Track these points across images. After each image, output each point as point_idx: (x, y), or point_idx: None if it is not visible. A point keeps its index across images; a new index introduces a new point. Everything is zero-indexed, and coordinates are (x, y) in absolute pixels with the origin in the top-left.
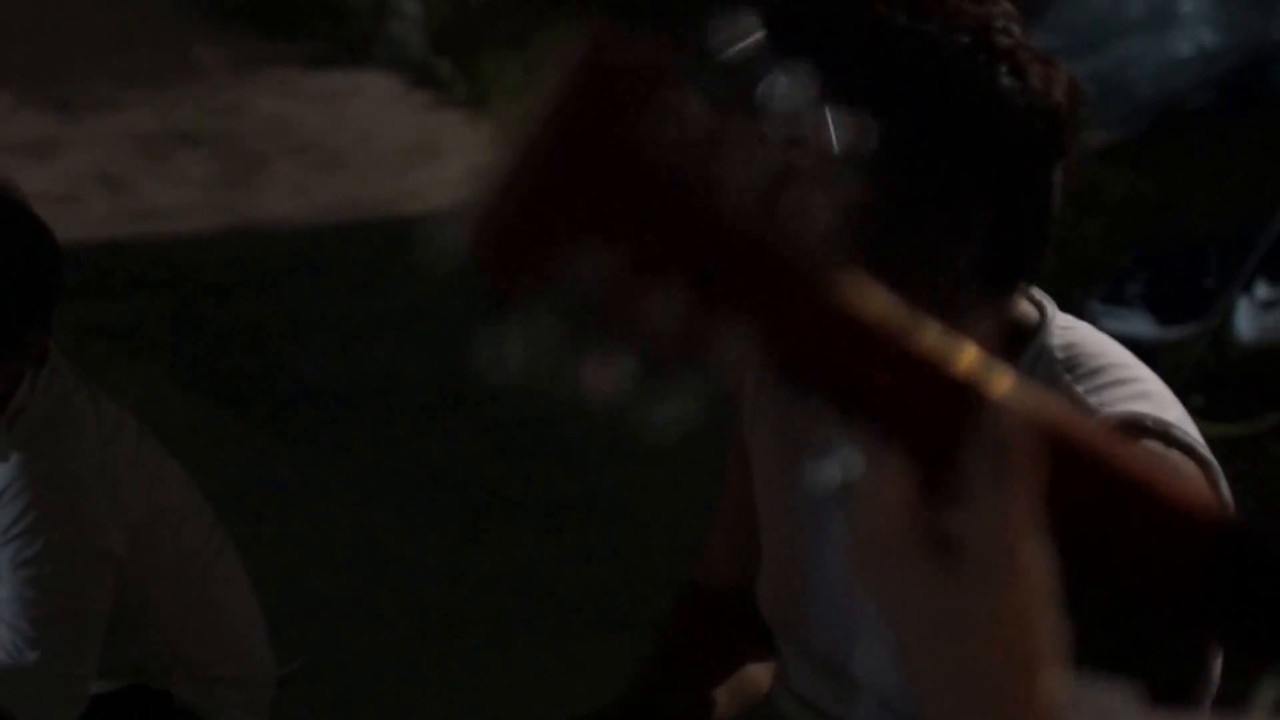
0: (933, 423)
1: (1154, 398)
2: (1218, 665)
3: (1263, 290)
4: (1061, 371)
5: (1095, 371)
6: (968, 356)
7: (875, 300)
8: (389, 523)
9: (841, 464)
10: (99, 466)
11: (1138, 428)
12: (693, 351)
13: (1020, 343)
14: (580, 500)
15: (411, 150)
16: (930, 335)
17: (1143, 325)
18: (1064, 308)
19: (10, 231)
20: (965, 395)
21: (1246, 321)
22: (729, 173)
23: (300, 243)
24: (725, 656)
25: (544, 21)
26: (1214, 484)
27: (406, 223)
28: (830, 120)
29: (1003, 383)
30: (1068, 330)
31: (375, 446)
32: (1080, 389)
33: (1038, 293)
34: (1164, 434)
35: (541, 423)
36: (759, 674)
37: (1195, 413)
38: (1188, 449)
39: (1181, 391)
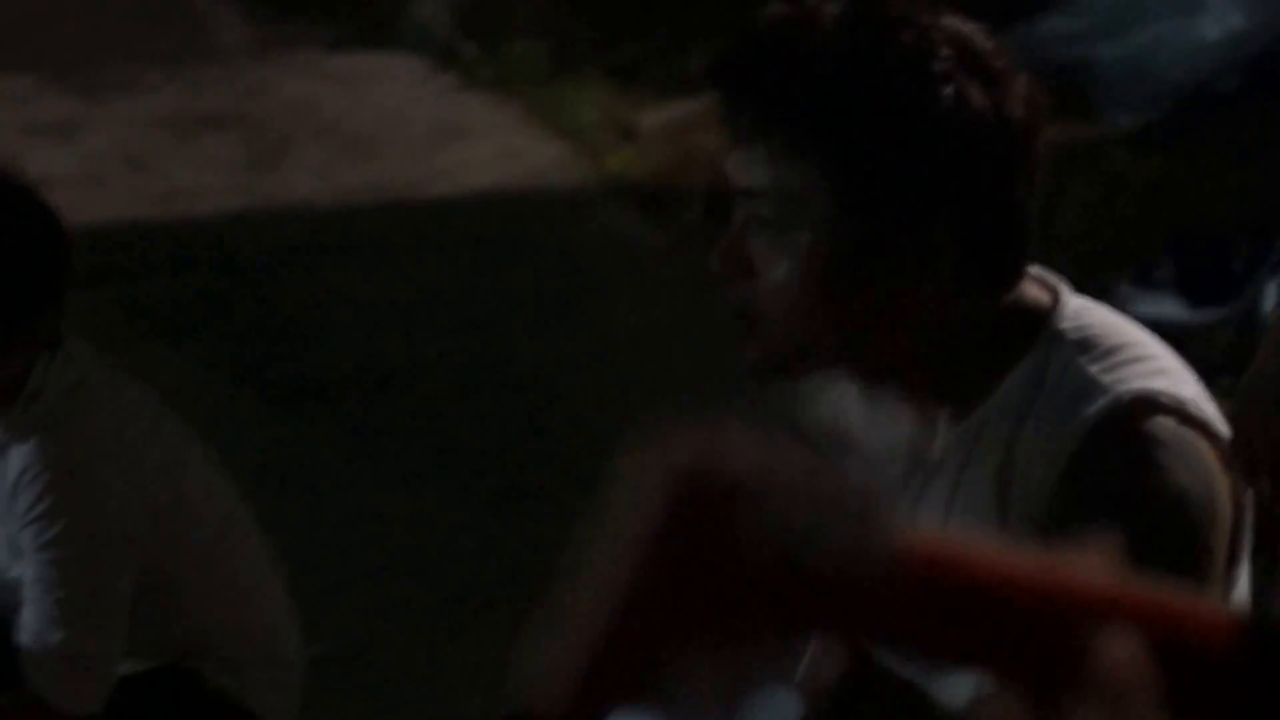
0: (1038, 650)
1: (1170, 374)
2: None
3: None
4: (1076, 353)
5: (1110, 351)
6: (1082, 581)
7: (948, 549)
8: (416, 505)
9: (968, 685)
10: (117, 447)
11: (1153, 404)
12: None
13: (1034, 327)
14: (602, 483)
15: (437, 132)
16: (1034, 567)
17: (1173, 309)
18: (1093, 293)
19: (18, 216)
20: (1074, 623)
21: (1276, 304)
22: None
23: (325, 225)
24: None
25: (568, 5)
26: (1227, 461)
27: (431, 205)
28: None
29: (1123, 600)
30: (1082, 312)
31: (402, 429)
32: (1094, 369)
33: (1050, 276)
34: (1179, 410)
35: (568, 405)
36: None
37: (1224, 394)
38: (1202, 426)
39: (1211, 374)
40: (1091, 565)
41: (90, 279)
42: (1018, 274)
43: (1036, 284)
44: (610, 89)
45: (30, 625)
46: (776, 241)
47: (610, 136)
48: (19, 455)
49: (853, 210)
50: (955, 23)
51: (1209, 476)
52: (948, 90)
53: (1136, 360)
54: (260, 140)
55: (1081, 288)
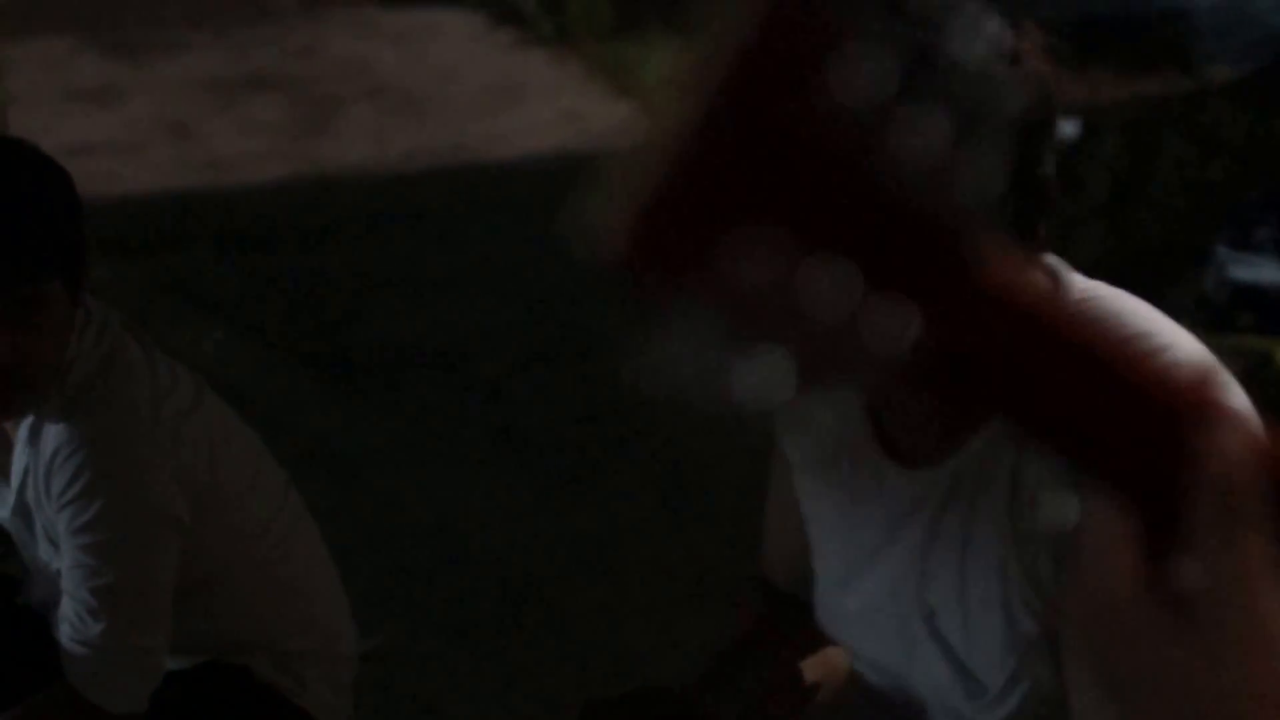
0: (1145, 452)
1: (1181, 353)
2: None
3: None
4: None
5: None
6: (1193, 370)
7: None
8: (472, 489)
9: (1057, 505)
10: (154, 424)
11: None
12: (853, 355)
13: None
14: (668, 465)
15: (495, 92)
16: (1137, 344)
17: (1272, 272)
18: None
19: (21, 172)
20: (1180, 420)
21: None
22: (905, 145)
23: (377, 192)
24: (799, 643)
25: None
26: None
27: (490, 169)
28: (1011, 82)
29: (1226, 399)
30: (1086, 293)
31: (458, 408)
32: None
33: (1052, 260)
34: None
35: (628, 386)
36: (839, 653)
37: None
38: None
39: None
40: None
41: (131, 250)
42: (1039, 252)
43: (1038, 267)
44: (677, 45)
45: (68, 617)
46: None
47: (677, 93)
48: (52, 434)
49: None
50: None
51: None
52: (998, 65)
53: (1144, 337)
54: (309, 103)
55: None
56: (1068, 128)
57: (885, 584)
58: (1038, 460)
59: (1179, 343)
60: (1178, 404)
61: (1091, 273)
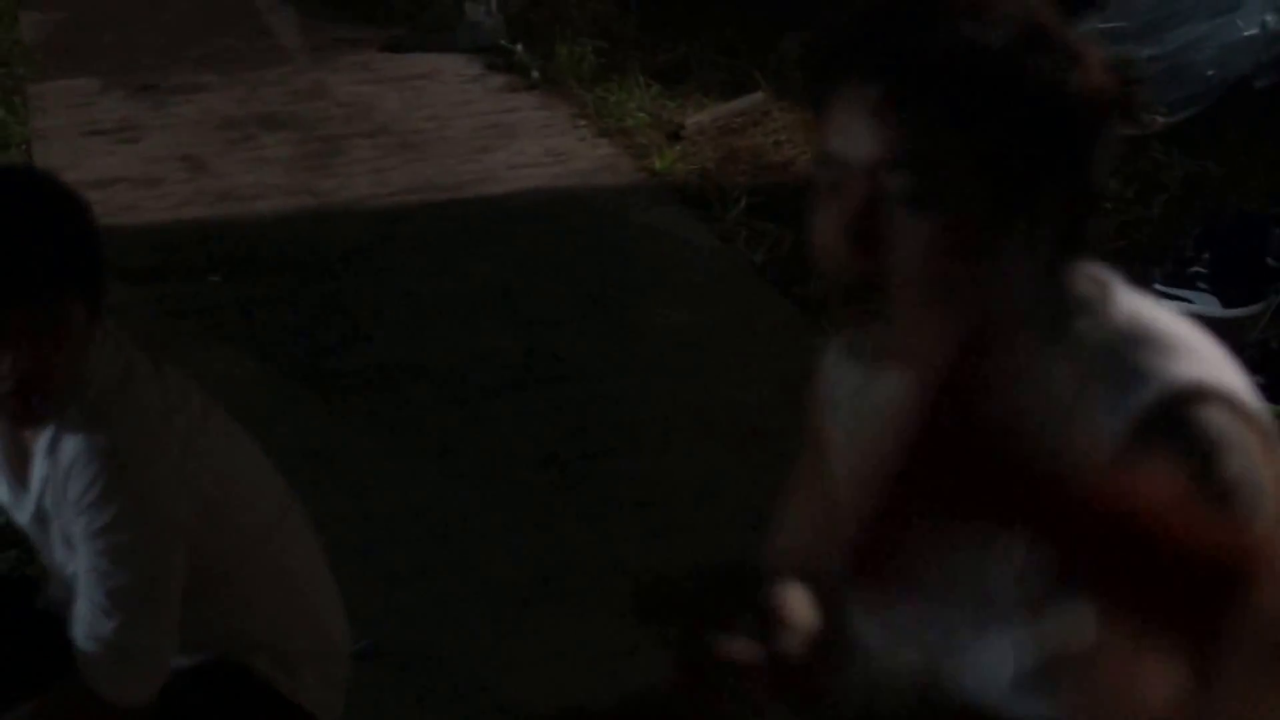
0: (1195, 600)
1: (1217, 365)
2: None
3: None
4: (1126, 342)
5: (1158, 342)
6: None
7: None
8: (464, 500)
9: (1071, 624)
10: (165, 436)
11: (1202, 394)
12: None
13: (1084, 316)
14: (657, 480)
15: (487, 132)
16: (1207, 518)
17: (1205, 305)
18: (1130, 287)
19: (44, 200)
20: (1231, 572)
21: None
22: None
23: (378, 223)
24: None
25: (617, 9)
26: (1271, 448)
27: (482, 203)
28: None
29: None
30: (1130, 303)
31: (448, 423)
32: (1144, 358)
33: (1102, 269)
34: (1229, 400)
35: (617, 402)
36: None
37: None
38: (1249, 416)
39: (1243, 370)
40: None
41: (148, 276)
42: (1087, 250)
43: (1089, 278)
44: (657, 90)
45: (82, 616)
46: (915, 216)
47: (657, 137)
48: (70, 444)
49: (990, 184)
50: (1044, 2)
51: (1259, 466)
52: (1072, 75)
53: (1185, 351)
54: (315, 141)
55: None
56: None
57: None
58: None
59: (1207, 351)
60: (1227, 550)
61: None
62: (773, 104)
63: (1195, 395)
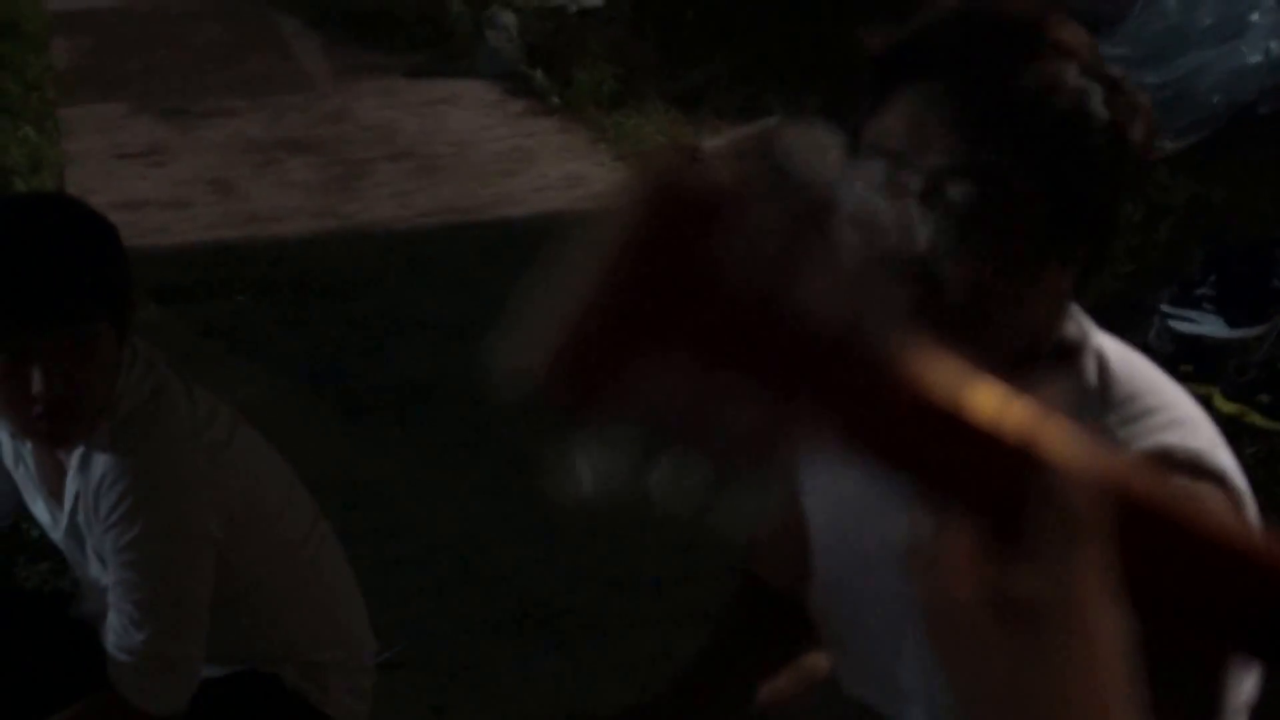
0: (997, 482)
1: (1184, 425)
2: (1238, 695)
3: None
4: (1095, 401)
5: (1126, 401)
6: (1021, 416)
7: (935, 370)
8: (482, 513)
9: (910, 525)
10: (194, 452)
11: (1167, 460)
12: (765, 449)
13: (1066, 358)
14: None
15: (506, 157)
16: (989, 397)
17: (1210, 326)
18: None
19: (73, 225)
20: (1027, 454)
21: None
22: (804, 277)
23: (401, 244)
24: (782, 644)
25: (635, 34)
26: (1239, 509)
27: (501, 226)
28: (912, 216)
29: (1062, 439)
30: (1103, 354)
31: (469, 442)
32: (1111, 418)
33: (1082, 314)
34: (1193, 465)
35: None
36: (819, 659)
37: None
38: (1217, 477)
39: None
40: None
41: (176, 296)
42: (1090, 288)
43: (1072, 319)
44: (673, 115)
45: (113, 627)
46: (965, 229)
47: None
48: (101, 462)
49: (1042, 212)
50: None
51: None
52: (1136, 123)
53: (1151, 412)
54: (339, 164)
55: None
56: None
57: (879, 583)
58: None
59: (1176, 409)
60: (1026, 442)
61: None
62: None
63: (1159, 463)
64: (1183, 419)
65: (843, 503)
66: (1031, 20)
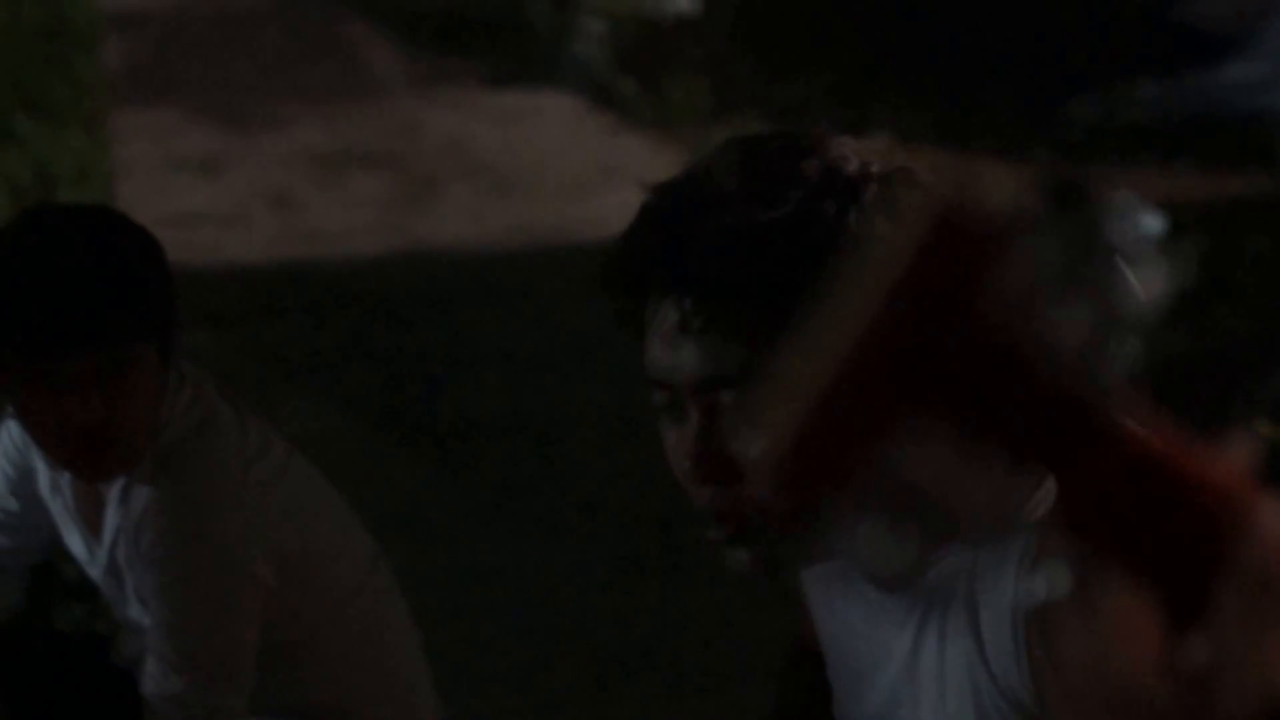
0: (1185, 546)
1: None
2: None
3: None
4: None
5: None
6: (1232, 474)
7: (1154, 434)
8: (555, 561)
9: (1048, 579)
10: (242, 488)
11: None
12: (1001, 517)
13: None
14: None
15: (591, 174)
16: (1196, 455)
17: None
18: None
19: (109, 239)
20: (1221, 517)
21: None
22: (1052, 333)
23: (473, 268)
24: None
25: (731, 44)
26: None
27: (582, 250)
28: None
29: (1261, 501)
30: None
31: (545, 480)
32: None
33: None
34: None
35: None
36: None
37: None
38: None
39: None
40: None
41: (230, 319)
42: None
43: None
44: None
45: (152, 673)
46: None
47: None
48: (143, 495)
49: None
50: (843, 151)
51: None
52: (852, 213)
53: None
54: (409, 179)
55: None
56: (1153, 222)
57: (883, 696)
58: (987, 573)
59: None
60: (1217, 491)
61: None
62: (897, 147)
63: None
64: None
65: (842, 620)
66: (707, 184)
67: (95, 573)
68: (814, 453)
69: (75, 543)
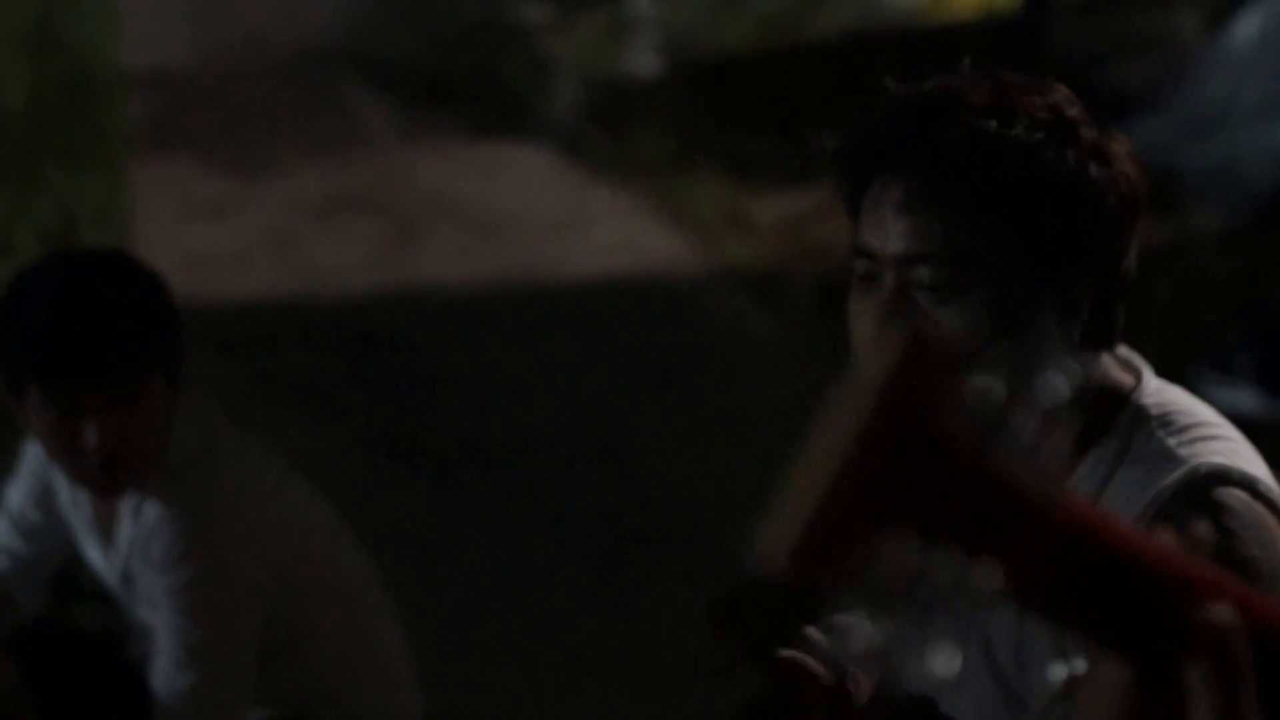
0: (1154, 624)
1: (1242, 455)
2: None
3: None
4: (1156, 427)
5: (1187, 428)
6: (1192, 561)
7: (1093, 513)
8: (539, 574)
9: (1067, 666)
10: (243, 501)
11: (1226, 477)
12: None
13: (1117, 405)
14: (716, 554)
15: (563, 220)
16: (1156, 541)
17: (1249, 400)
18: (1174, 381)
19: (120, 280)
20: (1186, 598)
21: None
22: (1006, 443)
23: (457, 303)
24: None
25: (695, 101)
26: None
27: (556, 289)
28: (1054, 384)
29: (1226, 585)
30: (1163, 391)
31: (522, 497)
32: (1172, 442)
33: (1134, 357)
34: (1250, 486)
35: (680, 479)
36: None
37: None
38: (1270, 503)
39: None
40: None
41: (236, 348)
42: (1117, 338)
43: (1121, 365)
44: (730, 180)
45: (160, 671)
46: (947, 304)
47: (729, 227)
48: (152, 509)
49: (1021, 270)
50: (1066, 91)
51: (1275, 549)
52: (1093, 159)
53: (1213, 438)
54: (398, 224)
55: (1164, 375)
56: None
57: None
58: None
59: (1234, 441)
60: (1180, 578)
61: None
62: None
63: (1219, 478)
64: (1242, 450)
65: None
66: (958, 92)
67: (110, 578)
68: (815, 550)
69: (93, 551)
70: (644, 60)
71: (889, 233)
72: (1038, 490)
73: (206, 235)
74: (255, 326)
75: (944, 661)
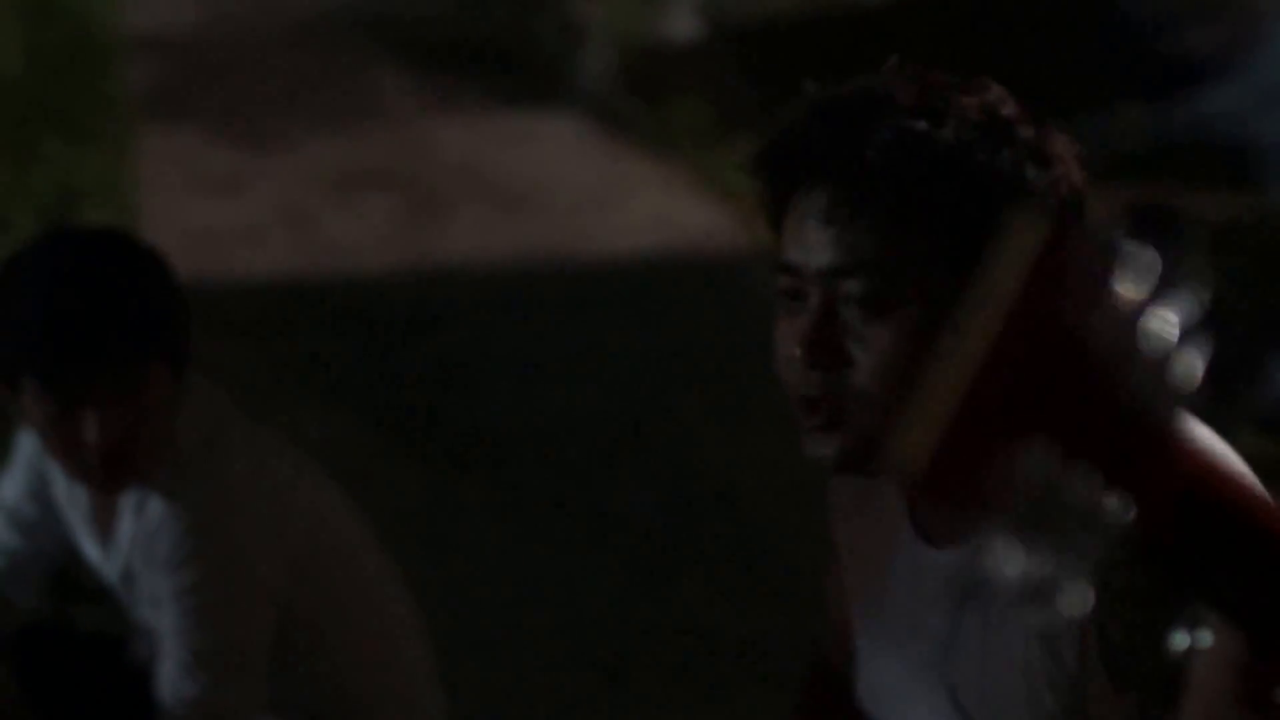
0: (1271, 593)
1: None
2: None
3: None
4: None
5: None
6: None
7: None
8: (563, 568)
9: (1194, 634)
10: (254, 496)
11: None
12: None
13: None
14: (754, 551)
15: (595, 193)
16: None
17: None
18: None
19: (120, 264)
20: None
21: None
22: (1136, 352)
23: (481, 283)
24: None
25: (735, 68)
26: None
27: (587, 266)
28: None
29: None
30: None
31: (552, 489)
32: None
33: None
34: None
35: (717, 472)
36: None
37: None
38: None
39: None
40: None
41: (247, 332)
42: None
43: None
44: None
45: (167, 676)
46: (877, 318)
47: None
48: (156, 505)
49: (956, 280)
50: (1000, 90)
51: None
52: (1029, 158)
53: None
54: (419, 198)
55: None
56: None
57: (914, 660)
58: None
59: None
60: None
61: None
62: None
63: None
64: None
65: (878, 582)
66: (884, 92)
67: (109, 578)
68: (951, 467)
69: (90, 549)
70: (682, 25)
71: (813, 245)
72: (1167, 427)
73: (215, 211)
74: (267, 308)
75: (1078, 600)
